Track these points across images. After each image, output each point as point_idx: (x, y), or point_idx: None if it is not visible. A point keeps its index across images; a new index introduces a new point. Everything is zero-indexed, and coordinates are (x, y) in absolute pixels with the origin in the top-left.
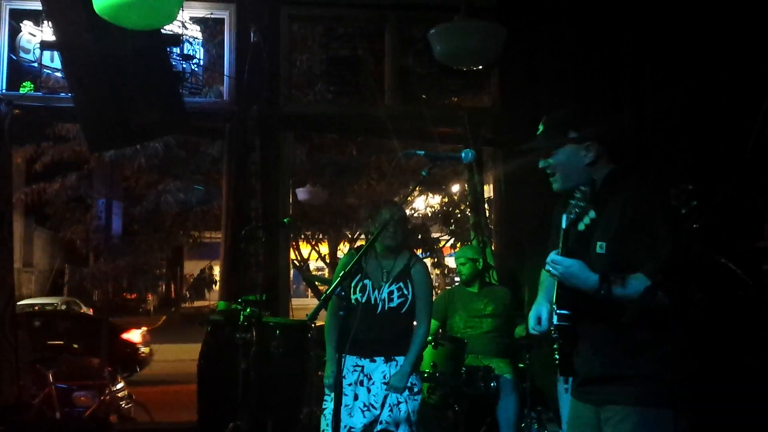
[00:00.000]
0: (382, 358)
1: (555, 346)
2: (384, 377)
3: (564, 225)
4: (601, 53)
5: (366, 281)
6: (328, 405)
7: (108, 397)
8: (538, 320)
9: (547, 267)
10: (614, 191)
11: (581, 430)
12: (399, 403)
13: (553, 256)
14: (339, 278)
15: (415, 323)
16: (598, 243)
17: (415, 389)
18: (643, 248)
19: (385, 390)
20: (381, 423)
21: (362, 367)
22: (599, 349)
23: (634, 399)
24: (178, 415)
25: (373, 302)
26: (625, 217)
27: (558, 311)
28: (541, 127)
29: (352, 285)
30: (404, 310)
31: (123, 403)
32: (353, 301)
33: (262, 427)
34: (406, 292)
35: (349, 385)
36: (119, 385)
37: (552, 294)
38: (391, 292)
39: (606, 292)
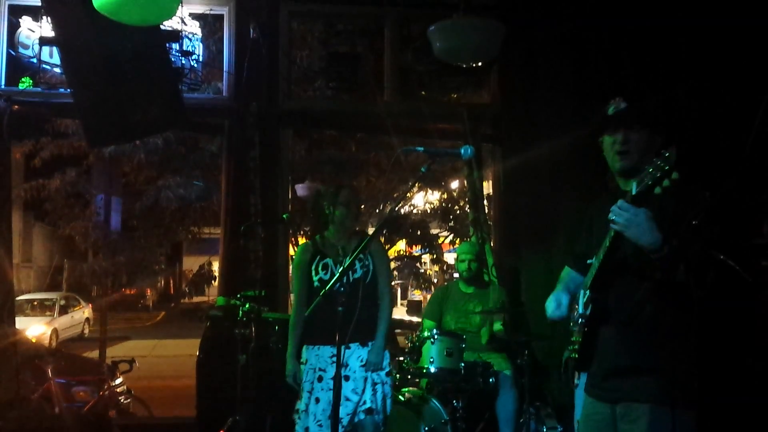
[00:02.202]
0: (357, 343)
1: (573, 338)
2: (361, 362)
3: (634, 191)
4: (601, 50)
5: (327, 260)
6: (301, 405)
7: (107, 393)
8: (558, 305)
9: (611, 216)
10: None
11: (596, 427)
12: (375, 384)
13: (621, 202)
14: (339, 273)
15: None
16: None
17: (388, 369)
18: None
19: (365, 371)
20: (365, 403)
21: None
22: (625, 337)
23: (652, 397)
24: (177, 410)
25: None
26: (666, 208)
27: (593, 294)
28: (622, 104)
29: (313, 267)
30: (368, 279)
31: (122, 398)
32: (316, 282)
33: (260, 423)
34: (366, 262)
35: (332, 378)
36: (118, 381)
37: (573, 287)
38: (352, 263)
39: (666, 254)
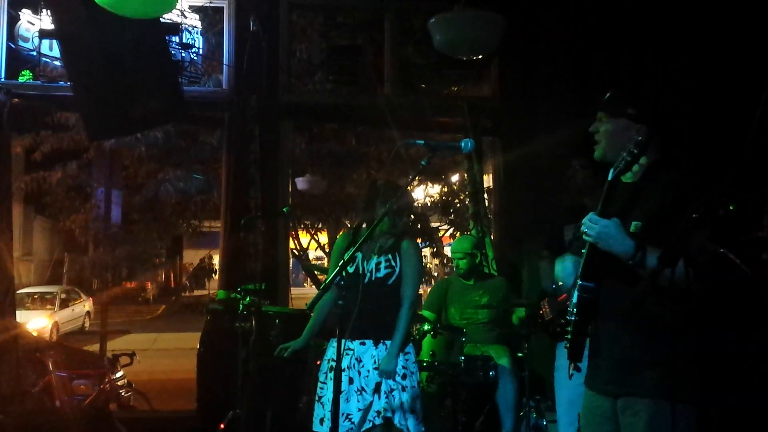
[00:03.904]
0: (371, 341)
1: (569, 328)
2: (374, 362)
3: (610, 177)
4: (601, 43)
5: (357, 253)
6: (325, 393)
7: (107, 386)
8: (562, 268)
9: (583, 228)
10: (658, 170)
11: (597, 420)
12: (392, 390)
13: (591, 215)
14: (338, 267)
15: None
16: (633, 223)
17: (408, 375)
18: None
19: (378, 376)
20: (380, 412)
21: (353, 350)
22: (623, 330)
23: (652, 391)
24: (178, 403)
25: (361, 272)
26: (665, 199)
27: (582, 283)
28: (607, 95)
29: (344, 258)
30: (391, 281)
31: (122, 392)
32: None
33: (261, 416)
34: (393, 263)
35: (342, 370)
36: (119, 374)
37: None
38: (378, 263)
39: (640, 260)
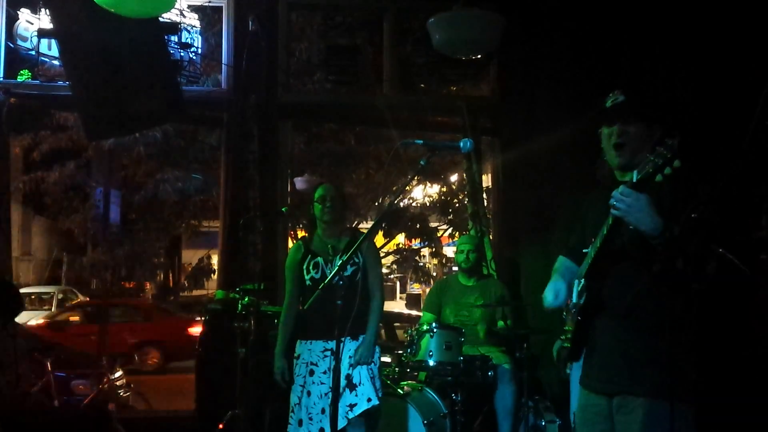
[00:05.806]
0: (348, 337)
1: (567, 327)
2: (351, 355)
3: (635, 178)
4: (601, 43)
5: (317, 259)
6: (294, 398)
7: (106, 386)
8: (556, 295)
9: (612, 201)
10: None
11: (592, 419)
12: (373, 377)
13: (622, 188)
14: (338, 267)
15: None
16: None
17: (378, 364)
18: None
19: (359, 363)
20: (355, 405)
21: (331, 350)
22: (621, 329)
23: (648, 390)
24: (177, 403)
25: (329, 275)
26: (663, 198)
27: (588, 283)
28: (620, 97)
29: (304, 266)
30: (358, 277)
31: (121, 392)
32: (308, 281)
33: (259, 416)
34: (356, 260)
35: (324, 372)
36: (117, 374)
37: (568, 277)
38: (345, 261)
39: (669, 237)
